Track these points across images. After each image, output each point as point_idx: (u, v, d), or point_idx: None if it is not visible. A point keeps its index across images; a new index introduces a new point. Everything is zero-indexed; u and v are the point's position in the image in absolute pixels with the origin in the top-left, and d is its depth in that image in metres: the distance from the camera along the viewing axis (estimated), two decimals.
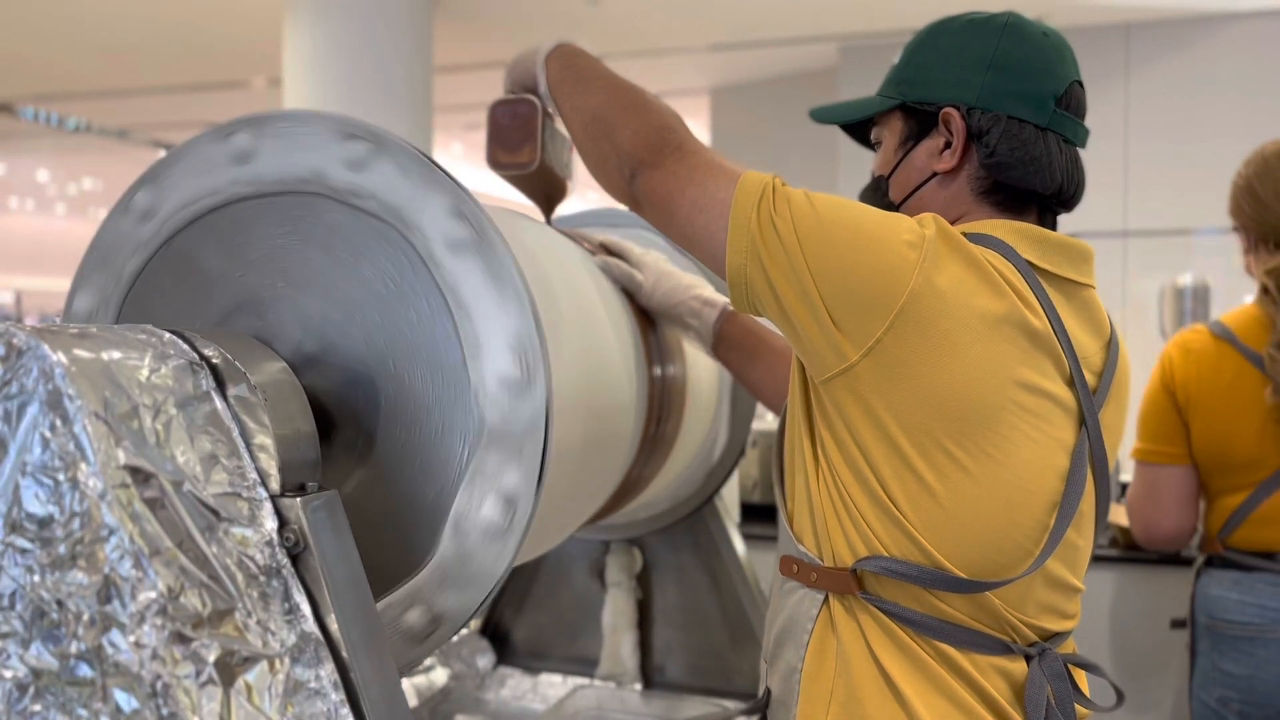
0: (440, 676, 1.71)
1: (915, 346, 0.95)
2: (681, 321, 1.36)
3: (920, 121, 1.10)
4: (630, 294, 1.35)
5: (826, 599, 1.04)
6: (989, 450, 0.97)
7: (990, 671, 1.00)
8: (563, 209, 1.50)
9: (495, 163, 1.30)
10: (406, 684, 1.63)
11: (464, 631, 1.78)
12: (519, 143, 1.28)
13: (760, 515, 2.61)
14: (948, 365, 0.95)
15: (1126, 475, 3.25)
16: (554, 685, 1.75)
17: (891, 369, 0.96)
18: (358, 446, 0.90)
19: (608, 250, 1.38)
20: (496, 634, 1.84)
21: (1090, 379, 1.04)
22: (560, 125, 1.29)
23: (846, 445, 1.00)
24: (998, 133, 1.05)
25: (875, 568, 0.99)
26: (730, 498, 2.21)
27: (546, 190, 1.38)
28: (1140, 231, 5.61)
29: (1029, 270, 1.01)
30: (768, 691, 1.12)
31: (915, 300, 0.94)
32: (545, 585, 1.82)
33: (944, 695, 0.99)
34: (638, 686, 1.72)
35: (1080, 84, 1.09)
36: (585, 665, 1.77)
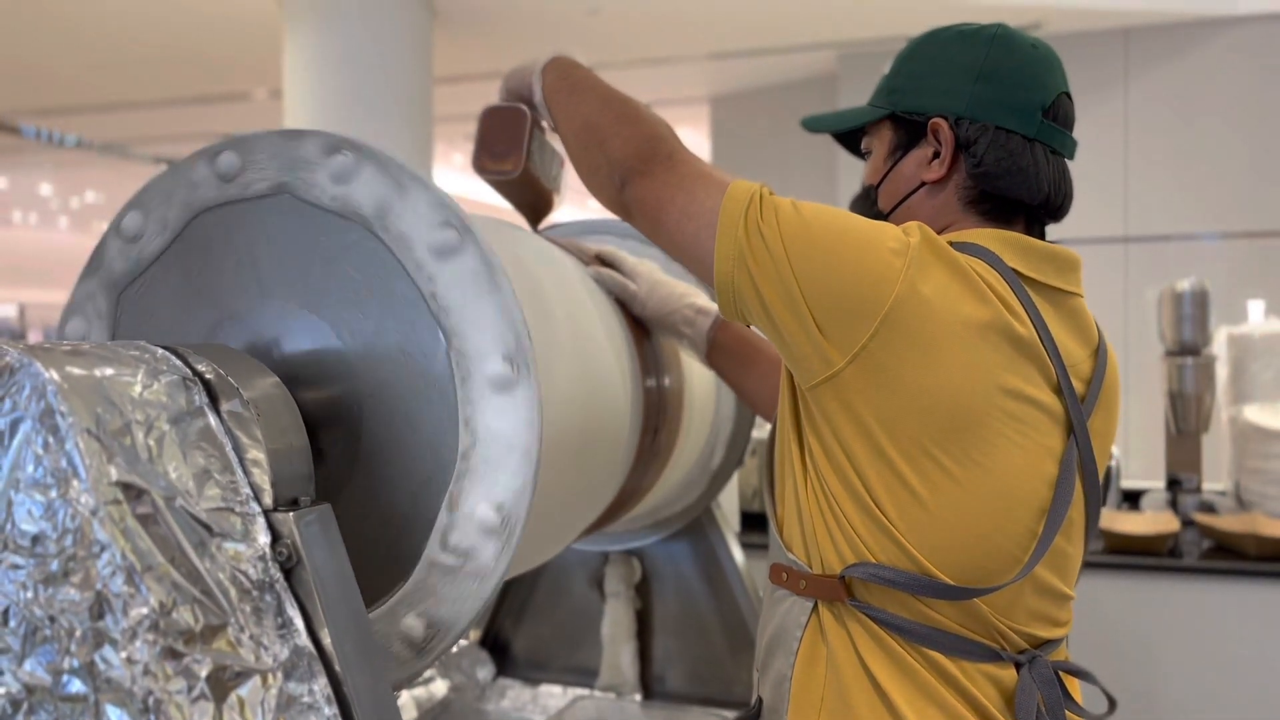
0: (440, 688, 1.71)
1: (900, 352, 0.95)
2: (675, 330, 1.36)
3: (909, 131, 1.11)
4: (624, 303, 1.36)
5: (816, 606, 1.05)
6: (976, 457, 0.97)
7: (980, 678, 1.01)
8: (557, 219, 1.50)
9: (480, 168, 1.31)
10: (406, 696, 1.63)
11: (463, 643, 1.78)
12: (505, 150, 1.29)
13: (760, 524, 2.61)
14: (932, 371, 0.96)
15: (1126, 482, 3.25)
16: (554, 696, 1.75)
17: (877, 375, 0.96)
18: (350, 455, 0.91)
19: (602, 260, 1.39)
20: (496, 645, 1.84)
21: (1078, 386, 1.05)
22: (552, 139, 1.30)
23: (834, 452, 1.01)
24: (985, 143, 1.05)
25: (863, 574, 1.00)
26: (729, 507, 2.21)
27: (533, 200, 1.38)
28: (1141, 237, 5.61)
29: (1014, 278, 1.01)
30: (759, 700, 1.12)
31: (900, 306, 0.95)
32: (544, 596, 1.82)
33: (933, 702, 0.99)
34: (637, 697, 1.72)
35: (1068, 95, 1.10)
36: (585, 676, 1.77)
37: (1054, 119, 1.07)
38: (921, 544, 0.98)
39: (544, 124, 1.28)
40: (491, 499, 0.88)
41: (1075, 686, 1.10)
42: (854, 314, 0.96)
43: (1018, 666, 1.02)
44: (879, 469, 0.98)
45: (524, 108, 1.27)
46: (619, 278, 1.35)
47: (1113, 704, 1.11)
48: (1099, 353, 1.09)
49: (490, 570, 0.88)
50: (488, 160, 1.29)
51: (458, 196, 0.94)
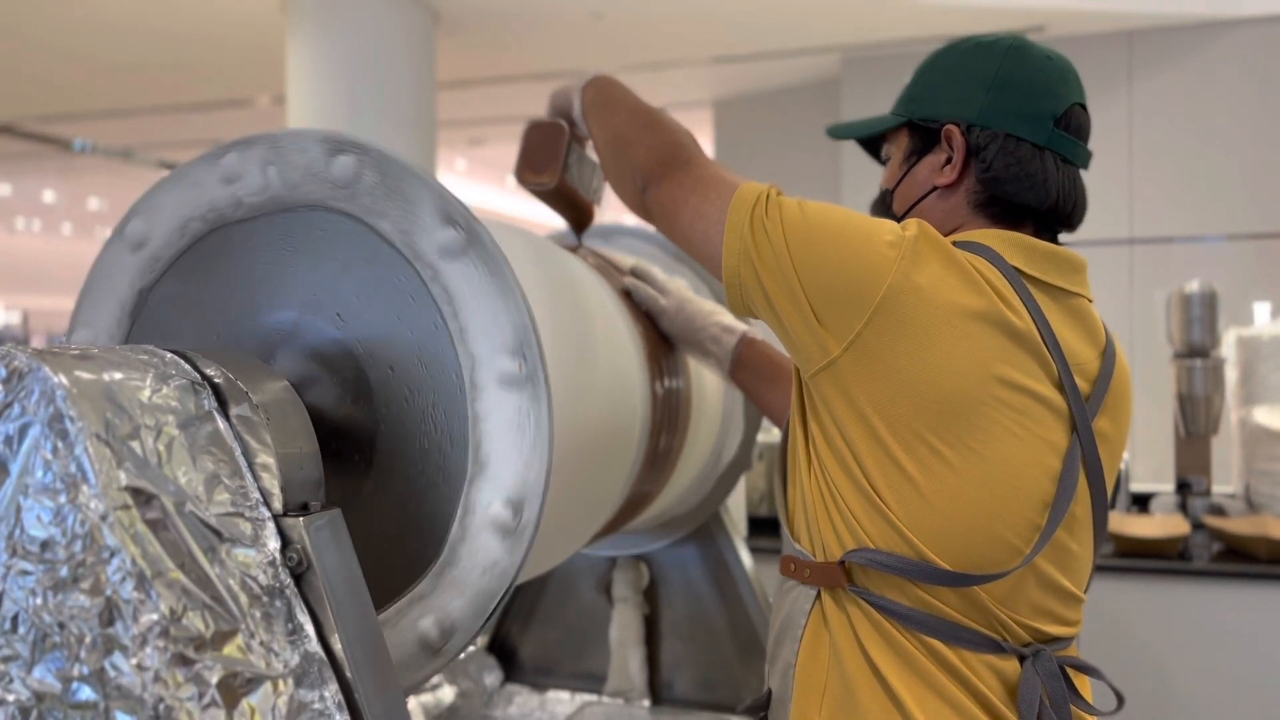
0: (447, 695, 1.70)
1: (893, 339, 0.98)
2: (702, 347, 1.40)
3: (924, 138, 1.15)
4: (653, 317, 1.39)
5: (819, 594, 1.07)
6: (970, 444, 0.99)
7: (982, 669, 1.01)
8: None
9: (521, 179, 1.39)
10: (414, 703, 1.62)
11: (471, 648, 1.77)
12: (543, 163, 1.36)
13: (767, 528, 2.60)
14: (925, 357, 0.98)
15: (1136, 485, 3.24)
16: (562, 702, 1.74)
17: (872, 362, 0.99)
18: (361, 458, 0.90)
19: (634, 274, 1.43)
20: (503, 651, 1.83)
21: (1083, 385, 1.06)
22: (593, 152, 1.38)
23: (834, 439, 1.04)
24: (995, 149, 1.09)
25: (862, 560, 1.02)
26: (737, 511, 2.20)
27: (573, 211, 1.45)
28: (1146, 239, 5.60)
29: (1014, 275, 1.04)
30: (768, 691, 1.14)
31: (893, 295, 0.98)
32: (552, 601, 1.81)
33: (933, 690, 1.00)
34: (646, 702, 1.71)
35: (1083, 107, 1.12)
36: (593, 681, 1.76)
37: (1066, 128, 1.10)
38: (919, 530, 1.00)
39: (584, 139, 1.36)
40: (504, 497, 0.87)
41: (1086, 686, 1.10)
42: (849, 302, 0.99)
43: (1021, 659, 1.03)
44: (876, 455, 1.00)
45: (563, 124, 1.35)
46: (651, 291, 1.39)
47: (1121, 700, 1.11)
48: (1106, 355, 1.10)
49: (504, 570, 0.88)
50: (528, 172, 1.37)
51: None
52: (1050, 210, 1.10)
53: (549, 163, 1.35)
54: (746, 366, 1.39)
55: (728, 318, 1.41)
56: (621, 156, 1.19)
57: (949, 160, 1.11)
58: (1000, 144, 1.08)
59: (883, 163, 1.23)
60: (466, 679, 1.74)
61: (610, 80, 1.28)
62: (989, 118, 1.09)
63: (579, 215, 1.46)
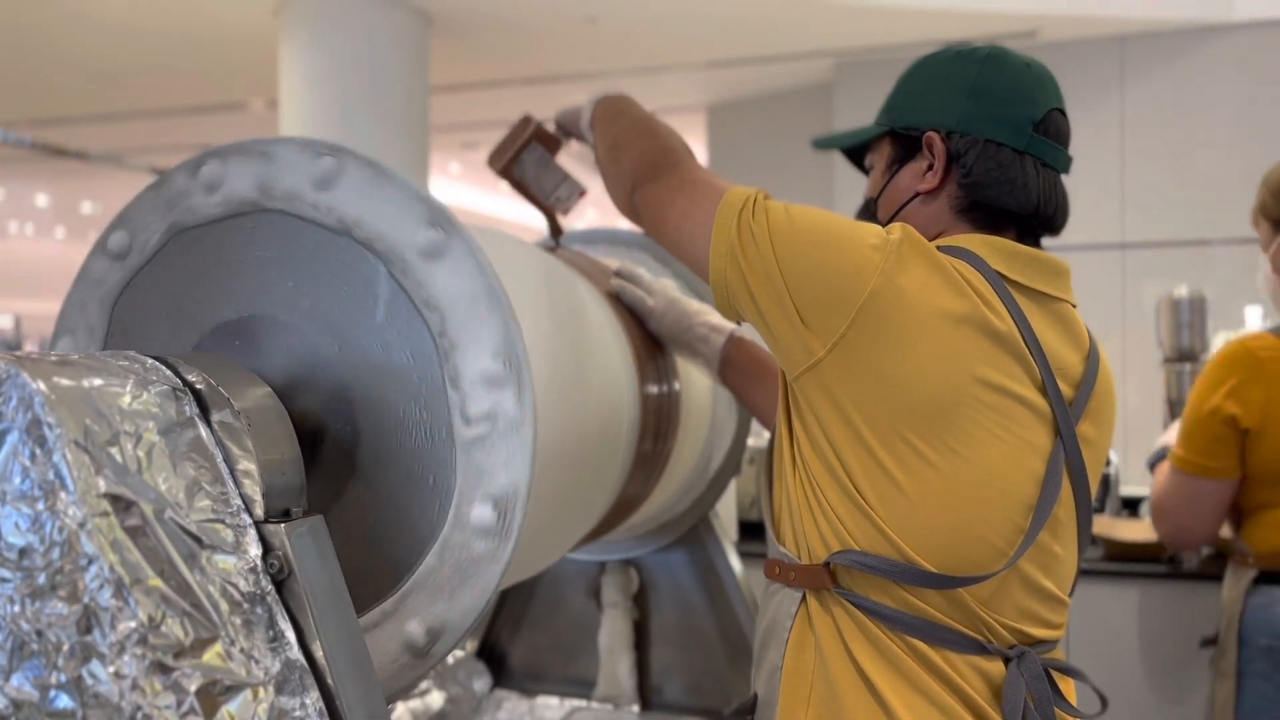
0: (436, 700, 1.70)
1: (876, 340, 0.99)
2: (690, 347, 1.40)
3: (906, 146, 1.16)
4: (641, 318, 1.40)
5: (804, 597, 1.07)
6: (952, 445, 1.00)
7: (967, 670, 1.02)
8: None
9: (489, 161, 1.47)
10: (402, 708, 1.62)
11: (459, 654, 1.77)
12: (503, 150, 1.44)
13: (757, 533, 2.59)
14: (907, 359, 0.99)
15: (1126, 489, 3.24)
16: (551, 708, 1.74)
17: (855, 363, 1.00)
18: (344, 463, 0.90)
19: (621, 276, 1.43)
20: (493, 656, 1.83)
21: (1066, 389, 1.07)
22: (561, 161, 1.46)
23: (818, 440, 1.04)
24: (975, 154, 1.10)
25: (847, 561, 1.02)
26: (727, 516, 2.20)
27: (544, 213, 1.49)
28: (1137, 243, 5.61)
29: (997, 279, 1.05)
30: (754, 695, 1.14)
31: (877, 297, 0.99)
32: (541, 606, 1.81)
33: (919, 691, 1.00)
34: (635, 708, 1.71)
35: (1062, 112, 1.14)
36: (582, 687, 1.76)
37: (1045, 133, 1.11)
38: (903, 531, 1.00)
39: (559, 144, 1.43)
40: (488, 499, 0.87)
41: (1070, 688, 1.11)
42: (833, 304, 1.00)
43: (1006, 661, 1.04)
44: (859, 455, 1.01)
45: (532, 120, 1.43)
46: (638, 292, 1.40)
47: (1104, 703, 1.12)
48: (1090, 359, 1.11)
49: (489, 573, 0.88)
50: (493, 155, 1.45)
51: (456, 206, 0.93)
52: (1031, 214, 1.11)
53: (505, 150, 1.43)
54: (734, 366, 1.40)
55: (716, 317, 1.41)
56: (617, 161, 1.22)
57: (930, 167, 1.12)
58: (980, 149, 1.09)
59: (866, 173, 1.24)
60: (455, 684, 1.74)
61: (622, 97, 1.32)
62: (968, 124, 1.10)
63: (550, 219, 1.50)
